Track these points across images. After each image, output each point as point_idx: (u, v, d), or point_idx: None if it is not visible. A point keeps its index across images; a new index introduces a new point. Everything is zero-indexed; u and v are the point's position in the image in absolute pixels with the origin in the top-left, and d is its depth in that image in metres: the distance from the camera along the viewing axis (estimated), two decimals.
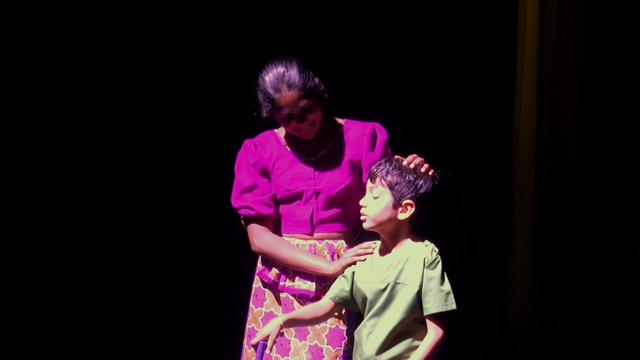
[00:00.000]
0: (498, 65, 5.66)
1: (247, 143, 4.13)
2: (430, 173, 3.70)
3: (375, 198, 3.66)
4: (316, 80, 4.00)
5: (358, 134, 4.09)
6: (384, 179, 3.65)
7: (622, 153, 5.53)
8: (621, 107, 5.54)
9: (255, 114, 4.03)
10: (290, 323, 3.74)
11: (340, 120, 4.15)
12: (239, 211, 4.09)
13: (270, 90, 3.94)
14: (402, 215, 3.64)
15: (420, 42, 5.72)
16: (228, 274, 5.42)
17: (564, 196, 5.48)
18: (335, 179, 4.04)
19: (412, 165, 3.68)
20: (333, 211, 4.04)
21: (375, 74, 5.73)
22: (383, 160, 3.73)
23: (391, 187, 3.64)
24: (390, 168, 3.66)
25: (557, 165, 5.50)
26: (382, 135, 4.09)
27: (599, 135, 5.56)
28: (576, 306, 5.47)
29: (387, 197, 3.65)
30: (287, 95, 3.93)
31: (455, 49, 5.70)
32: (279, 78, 3.93)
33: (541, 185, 5.49)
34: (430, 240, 3.70)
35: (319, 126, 4.04)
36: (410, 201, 3.63)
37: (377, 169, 3.68)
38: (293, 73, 3.94)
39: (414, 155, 3.76)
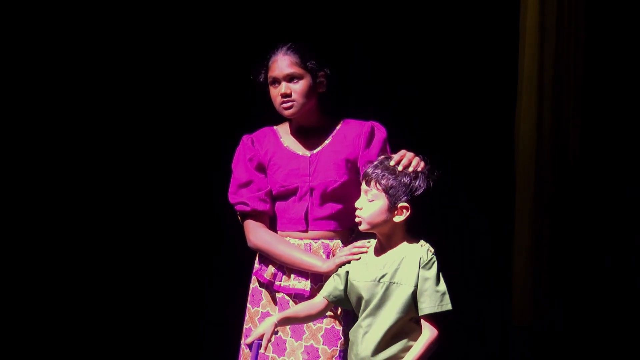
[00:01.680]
0: (498, 65, 5.64)
1: (245, 139, 4.16)
2: (420, 168, 3.67)
3: (370, 201, 3.65)
4: (319, 65, 4.03)
5: (355, 133, 4.09)
6: (378, 183, 3.63)
7: (623, 153, 5.51)
8: (621, 107, 5.53)
9: (251, 77, 4.09)
10: (284, 322, 3.74)
11: (339, 119, 4.16)
12: (235, 207, 4.11)
13: (270, 53, 4.05)
14: (398, 218, 3.63)
15: (420, 42, 5.71)
16: (228, 274, 5.41)
17: (564, 196, 5.47)
18: (331, 176, 4.03)
19: (400, 167, 3.66)
20: (328, 209, 4.03)
21: (375, 74, 5.73)
22: (378, 162, 3.70)
23: (386, 191, 3.62)
24: (385, 171, 3.63)
25: (557, 165, 5.49)
26: (380, 133, 4.08)
27: (600, 136, 5.55)
28: (576, 306, 5.45)
29: (382, 201, 3.63)
30: (280, 58, 4.02)
31: (455, 49, 5.69)
32: (283, 45, 4.05)
33: (541, 185, 5.47)
34: (429, 240, 3.70)
35: (314, 119, 4.08)
36: (405, 204, 3.62)
37: (371, 172, 3.65)
38: (298, 45, 4.03)
39: (403, 152, 3.75)
